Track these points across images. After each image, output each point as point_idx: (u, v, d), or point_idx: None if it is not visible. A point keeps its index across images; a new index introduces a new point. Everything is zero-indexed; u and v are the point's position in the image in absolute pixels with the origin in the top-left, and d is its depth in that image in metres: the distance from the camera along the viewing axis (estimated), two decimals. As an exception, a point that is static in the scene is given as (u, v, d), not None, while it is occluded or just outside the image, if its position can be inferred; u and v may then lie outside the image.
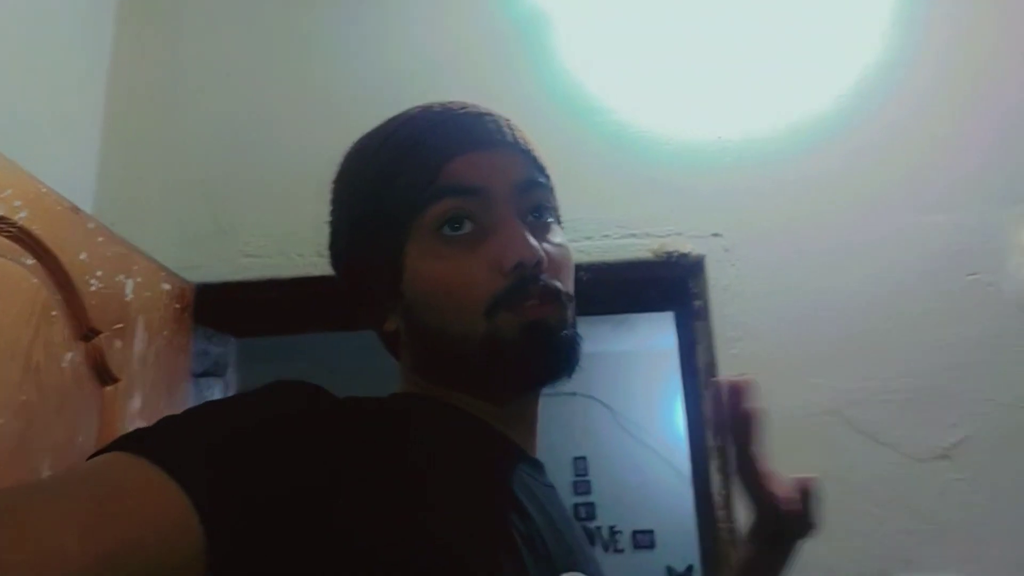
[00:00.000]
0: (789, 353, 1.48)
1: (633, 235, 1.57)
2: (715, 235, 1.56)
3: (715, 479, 1.44)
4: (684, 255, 1.55)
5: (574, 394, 4.77)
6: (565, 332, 0.67)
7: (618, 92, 1.65)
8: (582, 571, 0.67)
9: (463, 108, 0.73)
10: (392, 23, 1.72)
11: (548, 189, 0.73)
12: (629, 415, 4.97)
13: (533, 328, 0.65)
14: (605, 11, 1.70)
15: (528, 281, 0.65)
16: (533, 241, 0.66)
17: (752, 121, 1.62)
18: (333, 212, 0.78)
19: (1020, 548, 1.37)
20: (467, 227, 0.67)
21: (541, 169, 0.74)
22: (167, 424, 0.53)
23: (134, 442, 0.50)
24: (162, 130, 1.68)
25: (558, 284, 0.68)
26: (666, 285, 1.59)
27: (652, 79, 1.66)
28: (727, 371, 1.48)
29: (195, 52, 1.73)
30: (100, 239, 1.25)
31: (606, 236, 1.55)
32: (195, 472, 0.48)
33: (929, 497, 1.39)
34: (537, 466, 0.74)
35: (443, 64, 1.67)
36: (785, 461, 1.44)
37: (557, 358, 0.67)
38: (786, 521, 0.75)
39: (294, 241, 1.59)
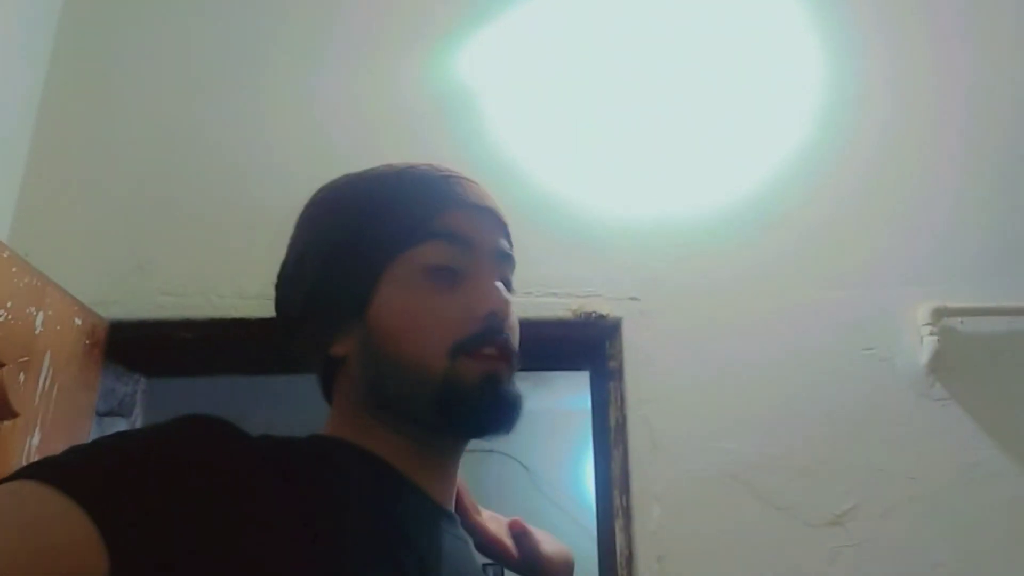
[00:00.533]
0: (696, 417, 1.53)
1: (554, 294, 1.61)
2: (633, 299, 1.62)
3: (619, 539, 1.47)
4: (602, 316, 1.60)
5: (491, 451, 4.75)
6: (513, 390, 0.73)
7: (547, 159, 1.71)
8: None
9: (458, 173, 0.81)
10: (326, 83, 1.74)
11: (513, 263, 0.81)
12: (544, 474, 4.96)
13: (489, 379, 0.70)
14: (535, 85, 1.77)
15: (494, 331, 0.71)
16: (506, 295, 0.73)
17: (673, 194, 1.69)
18: (302, 230, 0.80)
19: (904, 614, 1.43)
20: (448, 272, 0.73)
21: (511, 244, 0.82)
22: (75, 453, 0.54)
23: (42, 470, 0.50)
24: (88, 164, 1.66)
25: (513, 343, 0.74)
26: (583, 345, 1.63)
27: (582, 149, 1.72)
28: (636, 432, 1.52)
29: (126, 88, 1.73)
30: (13, 269, 1.22)
31: (528, 293, 1.59)
32: (102, 501, 0.49)
33: (819, 562, 1.44)
34: (451, 519, 0.75)
35: (377, 123, 1.70)
36: (684, 521, 1.49)
37: (506, 411, 0.72)
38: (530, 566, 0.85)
39: (214, 282, 1.57)
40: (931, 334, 1.55)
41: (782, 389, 1.55)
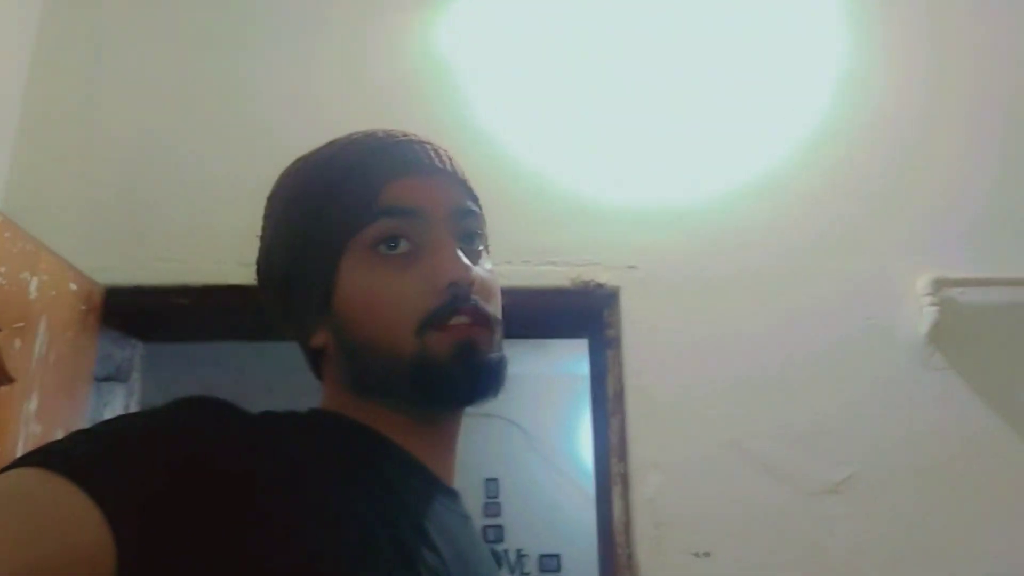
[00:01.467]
0: (694, 385, 1.53)
1: (552, 263, 1.60)
2: (631, 267, 1.61)
3: (617, 505, 1.47)
4: (600, 285, 1.59)
5: (491, 415, 4.77)
6: (493, 354, 0.69)
7: (546, 130, 1.69)
8: None
9: (404, 135, 0.76)
10: (324, 51, 1.72)
11: (480, 218, 0.76)
12: (543, 438, 4.99)
13: (463, 348, 0.67)
14: (533, 56, 1.74)
15: (459, 300, 0.68)
16: (467, 261, 0.69)
17: (672, 163, 1.68)
18: (267, 227, 0.78)
19: (901, 582, 1.44)
20: (403, 246, 0.69)
21: (474, 198, 0.77)
22: (78, 440, 0.53)
23: (47, 457, 0.49)
24: (81, 128, 1.64)
25: (488, 308, 0.70)
26: (581, 313, 1.63)
27: (582, 120, 1.70)
28: (634, 400, 1.52)
29: (118, 52, 1.70)
30: (7, 234, 1.21)
31: (526, 262, 1.58)
32: (109, 489, 0.48)
33: (818, 530, 1.45)
34: (453, 495, 0.74)
35: (373, 94, 1.68)
36: (682, 488, 1.50)
37: (485, 378, 0.69)
38: None
39: (212, 247, 1.56)
40: (931, 304, 1.55)
41: (781, 358, 1.55)
